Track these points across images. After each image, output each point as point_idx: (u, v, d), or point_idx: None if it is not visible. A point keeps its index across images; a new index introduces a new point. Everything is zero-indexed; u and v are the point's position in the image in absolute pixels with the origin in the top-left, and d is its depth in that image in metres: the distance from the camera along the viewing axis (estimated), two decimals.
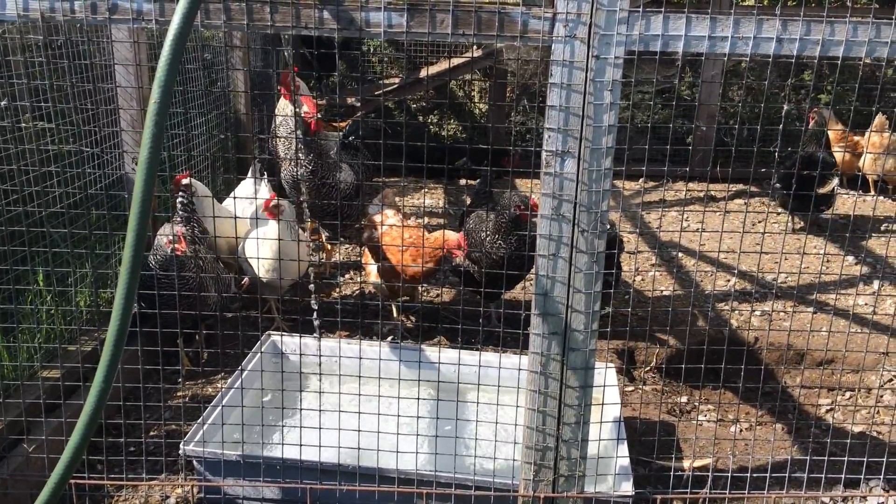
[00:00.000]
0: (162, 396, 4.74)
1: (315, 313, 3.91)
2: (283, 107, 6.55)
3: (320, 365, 3.63)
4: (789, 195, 7.25)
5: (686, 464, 4.28)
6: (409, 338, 5.43)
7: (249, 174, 6.26)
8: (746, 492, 3.47)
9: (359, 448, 3.26)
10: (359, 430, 3.27)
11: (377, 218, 5.46)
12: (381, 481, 3.36)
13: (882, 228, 7.79)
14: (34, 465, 3.81)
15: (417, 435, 3.58)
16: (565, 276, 2.84)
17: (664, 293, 6.29)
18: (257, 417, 3.84)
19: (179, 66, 5.39)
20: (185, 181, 5.26)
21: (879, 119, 8.25)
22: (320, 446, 3.35)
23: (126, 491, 3.97)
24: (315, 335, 4.43)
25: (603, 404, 3.42)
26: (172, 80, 2.19)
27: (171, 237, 4.51)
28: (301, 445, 3.35)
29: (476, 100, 10.62)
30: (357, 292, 6.21)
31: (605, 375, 3.99)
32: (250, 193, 6.02)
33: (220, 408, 3.90)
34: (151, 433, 4.44)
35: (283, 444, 3.53)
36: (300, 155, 5.77)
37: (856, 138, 8.52)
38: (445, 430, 3.96)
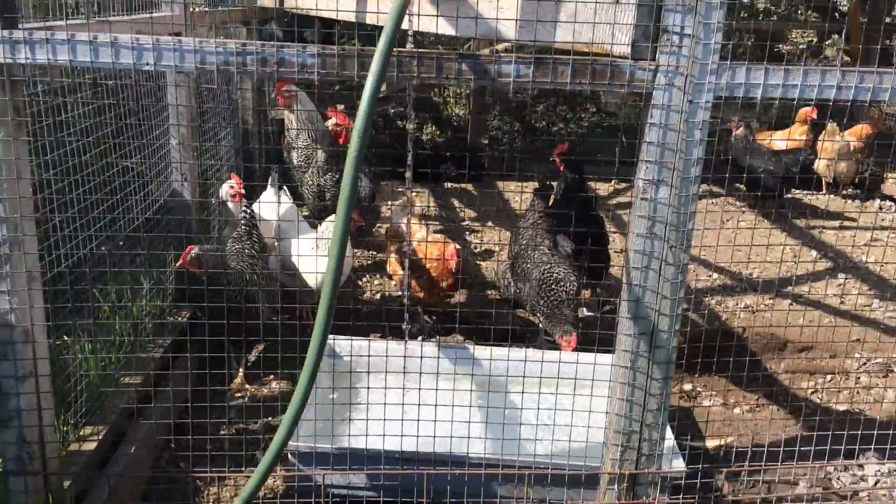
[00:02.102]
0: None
1: (407, 321, 4.28)
2: (292, 119, 6.83)
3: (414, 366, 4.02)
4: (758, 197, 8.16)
5: (710, 443, 4.86)
6: (434, 337, 5.83)
7: (269, 184, 6.57)
8: (794, 462, 4.04)
9: (468, 437, 3.69)
10: (469, 422, 3.69)
11: (406, 228, 5.79)
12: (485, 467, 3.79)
13: (838, 225, 8.58)
14: (135, 464, 4.16)
15: (485, 422, 4.02)
16: (655, 284, 3.34)
17: None
18: (335, 413, 4.20)
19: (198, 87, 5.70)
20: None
21: (830, 126, 9.06)
22: (412, 436, 3.74)
23: (214, 484, 4.30)
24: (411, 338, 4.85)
25: None
26: (368, 130, 2.59)
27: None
28: (383, 436, 3.73)
29: (452, 104, 11.07)
30: (378, 295, 6.60)
31: None
32: (272, 202, 6.35)
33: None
34: (221, 432, 4.76)
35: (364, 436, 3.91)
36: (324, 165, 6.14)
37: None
38: (511, 419, 4.39)
